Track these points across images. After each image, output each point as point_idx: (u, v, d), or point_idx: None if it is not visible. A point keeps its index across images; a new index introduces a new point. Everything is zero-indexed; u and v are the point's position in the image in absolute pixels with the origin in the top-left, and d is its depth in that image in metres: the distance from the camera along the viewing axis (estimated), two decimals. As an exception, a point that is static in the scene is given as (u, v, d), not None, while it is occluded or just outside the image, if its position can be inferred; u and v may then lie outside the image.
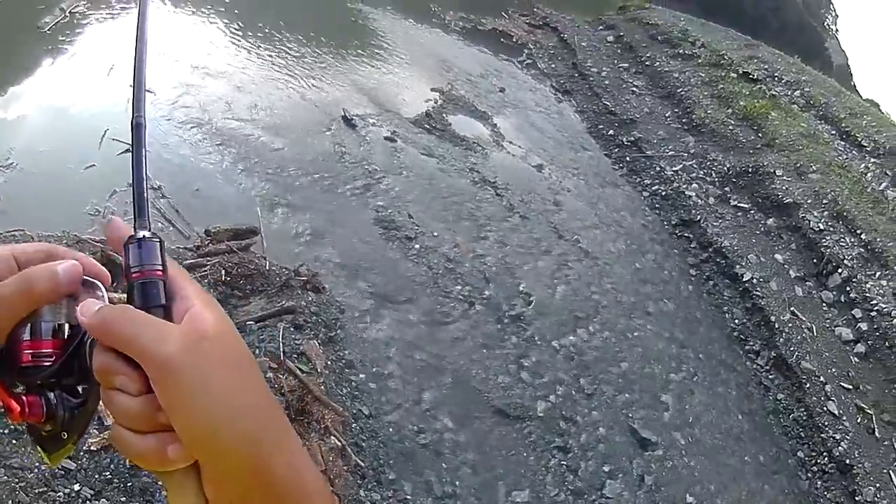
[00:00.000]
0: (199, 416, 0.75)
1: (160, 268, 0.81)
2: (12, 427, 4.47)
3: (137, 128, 0.86)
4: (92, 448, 4.66)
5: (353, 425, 6.26)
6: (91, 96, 9.55)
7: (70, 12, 10.88)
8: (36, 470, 4.36)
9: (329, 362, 6.70)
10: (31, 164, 8.00)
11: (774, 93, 15.88)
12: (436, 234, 9.24)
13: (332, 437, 5.96)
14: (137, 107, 0.88)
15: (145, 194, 0.86)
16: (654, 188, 12.83)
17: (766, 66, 17.31)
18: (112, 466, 4.63)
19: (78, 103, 9.44)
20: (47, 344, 0.82)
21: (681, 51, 17.65)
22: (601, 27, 19.81)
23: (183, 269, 0.86)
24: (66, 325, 0.84)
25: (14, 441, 4.44)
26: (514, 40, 17.83)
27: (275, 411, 0.83)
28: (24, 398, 0.82)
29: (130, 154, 0.86)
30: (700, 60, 17.11)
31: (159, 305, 0.79)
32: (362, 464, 6.07)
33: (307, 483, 0.83)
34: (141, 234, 0.82)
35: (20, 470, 4.30)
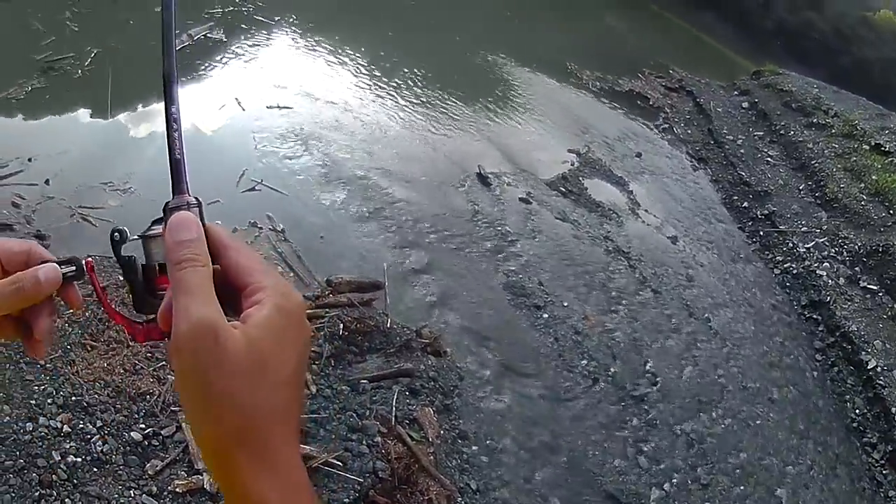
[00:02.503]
0: (181, 399, 0.76)
1: None
2: (93, 456, 4.44)
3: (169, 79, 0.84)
4: (177, 490, 4.53)
5: (459, 500, 5.82)
6: (218, 129, 9.23)
7: (196, 39, 10.63)
8: (113, 501, 4.30)
9: (442, 431, 6.29)
10: (150, 191, 7.17)
11: (906, 166, 14.69)
12: (566, 304, 8.68)
13: (435, 512, 5.61)
14: (168, 61, 0.84)
15: (181, 159, 0.85)
16: (785, 265, 11.93)
17: (898, 138, 16.11)
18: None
19: (206, 136, 9.01)
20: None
21: (814, 120, 16.54)
22: (736, 92, 18.85)
23: (253, 253, 0.86)
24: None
25: (95, 469, 4.39)
26: (651, 103, 16.99)
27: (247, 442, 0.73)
28: (146, 325, 0.88)
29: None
30: (833, 131, 15.96)
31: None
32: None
33: None
34: (173, 204, 0.83)
35: (97, 499, 4.26)
